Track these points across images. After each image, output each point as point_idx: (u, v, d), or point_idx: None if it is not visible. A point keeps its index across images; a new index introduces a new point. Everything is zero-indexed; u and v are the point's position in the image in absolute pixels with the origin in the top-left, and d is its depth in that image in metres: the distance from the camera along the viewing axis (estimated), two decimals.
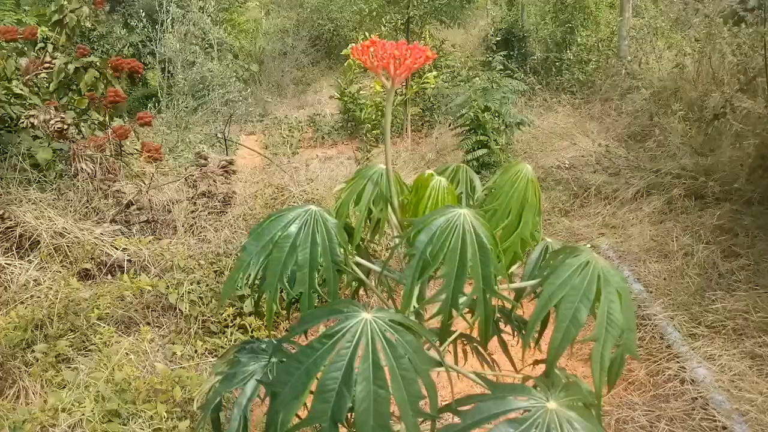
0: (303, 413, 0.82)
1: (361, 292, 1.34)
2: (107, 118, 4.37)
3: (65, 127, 3.69)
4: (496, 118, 5.96)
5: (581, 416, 0.82)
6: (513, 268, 1.12)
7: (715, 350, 3.01)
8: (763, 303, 3.27)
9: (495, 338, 1.41)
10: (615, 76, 7.73)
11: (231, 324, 3.16)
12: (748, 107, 4.80)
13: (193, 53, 8.29)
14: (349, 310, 0.83)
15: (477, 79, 6.45)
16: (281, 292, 0.96)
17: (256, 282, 1.02)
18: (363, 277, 1.09)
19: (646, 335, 3.26)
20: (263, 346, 1.12)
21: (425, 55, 0.89)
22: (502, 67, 6.67)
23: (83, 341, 2.89)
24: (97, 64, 4.34)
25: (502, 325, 1.36)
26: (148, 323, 3.12)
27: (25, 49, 4.55)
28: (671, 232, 4.27)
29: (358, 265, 1.08)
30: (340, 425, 0.78)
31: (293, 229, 0.93)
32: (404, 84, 7.66)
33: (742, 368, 2.84)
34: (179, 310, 3.16)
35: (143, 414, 2.32)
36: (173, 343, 2.95)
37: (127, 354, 2.70)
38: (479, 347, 1.48)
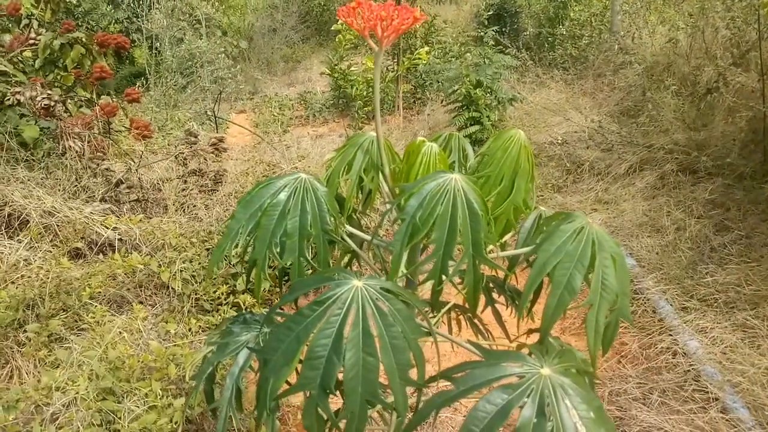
0: (294, 381, 0.82)
1: (355, 266, 1.33)
2: (94, 95, 4.30)
3: (52, 104, 3.63)
4: (489, 94, 5.92)
5: (575, 382, 0.82)
6: (506, 237, 1.11)
7: (707, 323, 3.03)
8: (754, 276, 3.29)
9: (489, 309, 1.40)
10: (608, 52, 7.68)
11: (224, 302, 3.15)
12: (741, 81, 4.78)
13: (180, 30, 8.16)
14: (340, 277, 0.82)
15: (469, 54, 6.39)
16: (273, 269, 0.95)
17: (247, 255, 1.00)
18: (355, 247, 1.07)
19: (638, 309, 3.28)
20: (256, 317, 1.11)
21: (413, 16, 0.86)
22: (494, 43, 6.60)
23: (76, 320, 2.87)
24: (83, 40, 4.26)
25: (495, 295, 1.36)
26: (141, 302, 3.11)
27: (9, 25, 4.46)
28: (664, 207, 4.27)
29: (350, 236, 1.06)
30: (329, 393, 0.77)
31: (282, 196, 0.92)
32: (396, 60, 7.59)
33: (734, 340, 2.86)
34: (172, 288, 3.15)
35: (138, 392, 2.31)
36: (166, 322, 2.94)
37: (120, 332, 2.68)
38: (473, 318, 1.48)
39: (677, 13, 6.66)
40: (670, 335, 3.01)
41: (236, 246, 0.94)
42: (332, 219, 0.95)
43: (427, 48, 7.72)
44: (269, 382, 0.77)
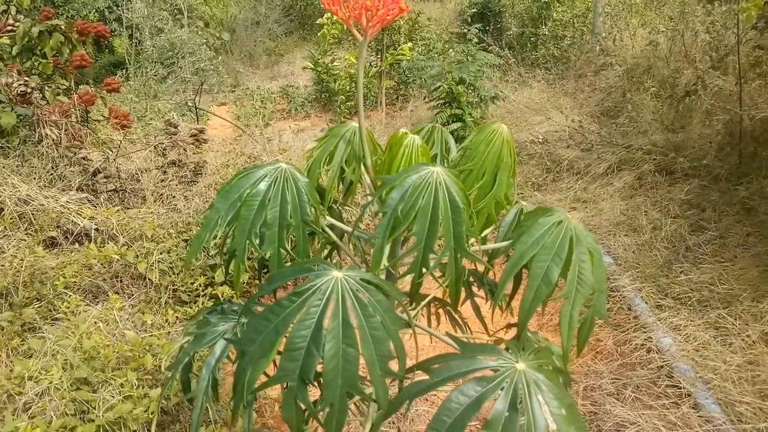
0: (272, 373, 0.81)
1: (336, 258, 1.33)
2: (72, 83, 4.23)
3: (29, 90, 3.56)
4: (471, 92, 5.93)
5: (549, 379, 0.82)
6: (486, 232, 1.12)
7: (681, 321, 3.08)
8: (727, 275, 3.35)
9: (468, 303, 1.41)
10: (589, 53, 7.75)
11: (202, 294, 3.12)
12: (719, 85, 4.86)
13: (161, 19, 8.06)
14: (320, 268, 0.81)
15: (452, 51, 6.40)
16: (251, 260, 0.94)
17: (226, 246, 0.99)
18: (336, 239, 1.07)
19: (614, 306, 3.32)
20: (234, 308, 1.10)
21: (398, 6, 0.86)
22: (477, 41, 6.62)
23: (50, 310, 2.83)
24: (63, 28, 4.19)
25: (475, 288, 1.37)
26: (117, 293, 3.07)
27: None
28: (641, 206, 4.33)
29: (331, 227, 1.06)
30: (309, 384, 0.77)
31: (262, 186, 0.91)
32: (379, 56, 7.57)
33: (707, 338, 2.92)
34: (149, 279, 3.11)
35: (113, 381, 2.29)
36: (143, 313, 2.91)
37: (95, 323, 2.65)
38: (452, 311, 1.48)
39: (658, 17, 6.76)
40: (645, 332, 3.06)
41: (215, 237, 0.94)
42: (313, 210, 0.95)
43: (410, 44, 7.71)
44: (246, 373, 0.77)
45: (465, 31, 7.03)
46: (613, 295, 3.41)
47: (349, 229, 1.08)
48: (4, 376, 2.26)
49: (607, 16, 7.78)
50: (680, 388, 2.66)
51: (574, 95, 7.17)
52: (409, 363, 0.86)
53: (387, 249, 0.85)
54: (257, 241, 0.92)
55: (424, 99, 7.03)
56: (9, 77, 3.59)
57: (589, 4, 8.70)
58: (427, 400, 2.71)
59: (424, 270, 0.84)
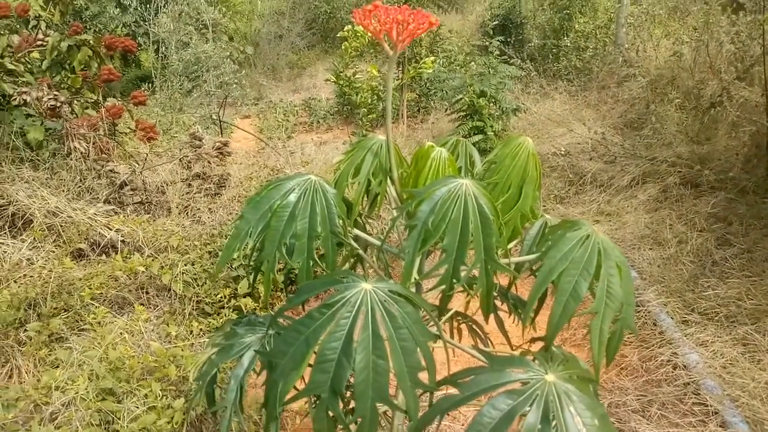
0: (301, 386, 0.82)
1: (359, 269, 1.33)
2: (100, 97, 4.32)
3: (58, 104, 3.65)
4: (493, 104, 5.93)
5: (579, 389, 0.82)
6: (511, 245, 1.12)
7: (708, 336, 3.02)
8: (755, 290, 3.28)
9: (491, 317, 1.41)
10: (612, 64, 7.70)
11: (226, 305, 3.14)
12: (745, 96, 4.79)
13: (187, 34, 8.20)
14: (349, 280, 0.82)
15: (473, 64, 6.41)
16: (279, 270, 0.95)
17: (251, 263, 1.00)
18: (361, 251, 1.08)
19: (639, 321, 3.27)
20: (260, 319, 1.11)
21: (428, 20, 0.87)
22: (499, 53, 6.63)
23: (77, 320, 2.87)
24: (91, 42, 4.28)
25: (498, 302, 1.36)
26: (142, 304, 3.11)
27: (18, 26, 4.48)
28: (666, 219, 4.27)
29: (355, 239, 1.07)
30: (340, 396, 0.77)
31: (292, 198, 0.92)
32: (401, 69, 7.61)
33: (734, 354, 2.86)
34: (173, 291, 3.15)
35: (138, 392, 2.31)
36: (167, 324, 2.94)
37: (121, 333, 2.68)
38: (474, 326, 1.48)
39: (682, 27, 6.69)
40: (671, 348, 3.01)
41: (244, 247, 0.95)
42: (341, 221, 0.96)
43: (432, 57, 7.74)
44: (278, 385, 0.77)
45: (486, 43, 7.04)
46: (638, 309, 3.36)
47: (374, 241, 1.08)
48: (31, 386, 2.30)
49: (630, 26, 7.73)
50: (707, 406, 2.60)
51: (596, 107, 7.12)
52: (438, 376, 0.86)
53: (418, 262, 0.86)
54: (285, 252, 0.93)
55: (445, 111, 7.04)
56: (39, 91, 3.67)
57: (612, 15, 8.65)
58: (449, 414, 2.70)
59: (455, 282, 0.84)
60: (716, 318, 3.17)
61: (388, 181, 1.07)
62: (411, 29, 0.86)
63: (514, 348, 1.41)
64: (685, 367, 2.86)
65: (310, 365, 0.79)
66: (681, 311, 3.28)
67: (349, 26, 5.97)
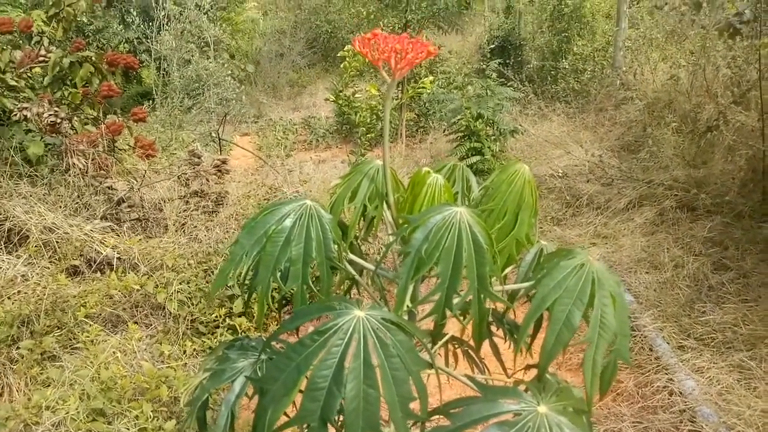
0: (292, 412, 0.81)
1: (354, 292, 1.33)
2: (100, 113, 4.34)
3: (58, 120, 3.66)
4: (490, 126, 5.96)
5: (572, 421, 0.81)
6: (507, 271, 1.12)
7: (704, 363, 3.01)
8: (752, 316, 3.28)
9: (486, 342, 1.40)
10: (610, 87, 7.76)
11: (221, 324, 3.13)
12: (741, 120, 4.83)
13: (188, 51, 8.26)
14: (342, 307, 0.82)
15: (470, 87, 6.46)
16: (273, 291, 0.95)
17: (247, 282, 1.00)
18: (356, 275, 1.08)
19: (635, 346, 3.26)
20: (253, 343, 1.11)
21: (427, 50, 0.88)
22: (497, 75, 6.68)
23: (70, 339, 2.86)
24: (93, 59, 4.31)
25: (493, 328, 1.35)
26: (136, 322, 3.09)
27: (20, 42, 4.51)
28: (662, 243, 4.28)
29: (351, 263, 1.07)
30: (329, 425, 0.77)
31: (288, 222, 0.92)
32: (400, 88, 7.66)
33: (730, 381, 2.85)
34: (168, 309, 3.13)
35: (129, 413, 2.29)
36: (161, 343, 2.92)
37: (114, 352, 2.67)
38: (470, 351, 1.47)
39: (679, 51, 6.75)
40: (667, 374, 2.99)
41: (239, 273, 0.94)
42: (336, 246, 0.96)
43: (431, 77, 7.80)
44: (268, 412, 0.76)
45: (484, 66, 7.10)
46: (634, 334, 3.35)
47: (369, 266, 1.08)
48: (22, 405, 2.27)
49: (628, 50, 7.80)
50: None
51: (594, 129, 7.16)
52: (430, 404, 0.85)
53: (411, 289, 0.86)
54: (280, 276, 0.93)
55: (444, 131, 7.08)
56: (40, 107, 3.69)
57: (610, 38, 8.74)
58: None
59: (447, 311, 0.84)
60: (712, 344, 3.16)
61: (384, 205, 1.07)
62: (409, 58, 0.87)
63: (509, 375, 1.40)
64: (681, 393, 2.85)
65: (301, 391, 0.79)
66: (677, 336, 3.27)
67: (349, 46, 6.03)
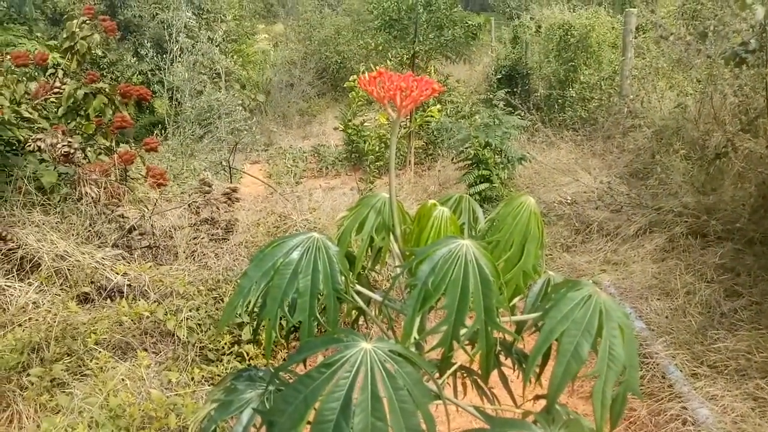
0: None
1: (361, 321, 1.33)
2: (113, 143, 4.41)
3: (72, 151, 3.72)
4: (498, 154, 5.99)
5: None
6: (514, 301, 1.12)
7: (718, 391, 2.97)
8: (765, 343, 3.23)
9: (495, 372, 1.39)
10: (617, 114, 7.78)
11: (228, 352, 3.13)
12: (750, 147, 4.82)
13: (200, 82, 8.41)
14: (349, 339, 0.82)
15: (477, 116, 6.51)
16: (280, 320, 0.96)
17: (255, 309, 1.01)
18: (363, 306, 1.08)
19: (647, 374, 3.22)
20: (260, 374, 1.11)
21: (432, 87, 0.90)
22: (504, 104, 6.73)
23: (79, 366, 2.86)
24: (106, 90, 4.39)
25: (502, 358, 1.35)
26: (145, 349, 3.10)
27: (36, 74, 4.61)
28: (673, 270, 4.25)
29: (358, 293, 1.08)
30: None
31: (295, 255, 0.93)
32: (408, 117, 7.74)
33: (745, 410, 2.80)
34: (177, 336, 3.14)
35: None
36: (169, 370, 2.92)
37: (123, 380, 2.67)
38: (479, 380, 1.46)
39: (686, 79, 6.78)
40: (680, 402, 2.95)
41: (248, 304, 0.96)
42: (343, 278, 0.97)
43: (439, 106, 7.87)
44: None
45: (491, 96, 7.17)
46: (646, 362, 3.31)
47: (376, 297, 1.09)
48: None
49: (635, 78, 7.84)
50: None
51: (602, 156, 7.17)
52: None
53: (418, 321, 0.86)
54: (287, 308, 0.94)
55: (452, 159, 7.12)
56: (54, 137, 3.75)
57: (616, 67, 8.80)
58: None
59: (454, 343, 0.84)
60: (726, 371, 3.12)
61: (391, 237, 1.09)
62: (414, 96, 0.89)
63: (518, 405, 1.39)
64: (695, 422, 2.80)
65: (309, 423, 0.79)
66: (690, 364, 3.23)
67: (356, 76, 6.11)
